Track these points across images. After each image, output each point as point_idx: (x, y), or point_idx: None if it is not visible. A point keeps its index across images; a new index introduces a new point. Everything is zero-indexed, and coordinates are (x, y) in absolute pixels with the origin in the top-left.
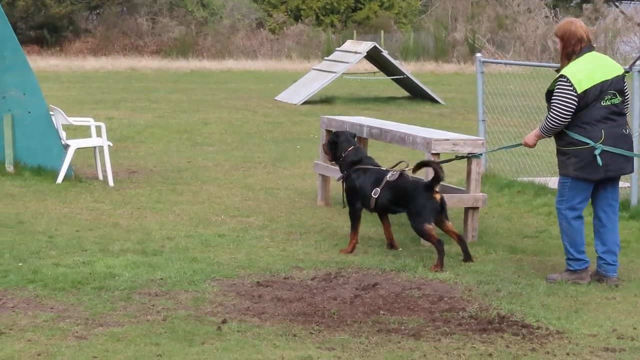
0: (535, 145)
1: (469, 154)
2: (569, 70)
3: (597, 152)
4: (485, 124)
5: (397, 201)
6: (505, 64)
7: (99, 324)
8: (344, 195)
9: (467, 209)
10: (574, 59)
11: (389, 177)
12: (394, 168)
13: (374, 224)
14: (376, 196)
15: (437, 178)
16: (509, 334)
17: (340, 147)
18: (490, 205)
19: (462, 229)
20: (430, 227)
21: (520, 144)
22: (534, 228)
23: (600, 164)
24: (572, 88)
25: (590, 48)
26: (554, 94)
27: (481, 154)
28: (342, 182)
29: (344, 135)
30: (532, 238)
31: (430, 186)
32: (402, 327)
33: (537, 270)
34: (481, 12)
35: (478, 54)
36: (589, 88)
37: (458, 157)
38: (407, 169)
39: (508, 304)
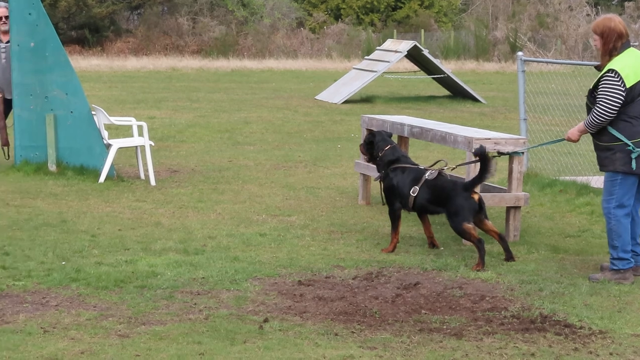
0: (578, 140)
1: (511, 151)
2: (617, 65)
3: (634, 155)
4: (527, 122)
5: (435, 200)
6: (547, 62)
7: (142, 322)
8: (381, 193)
9: (508, 208)
10: (615, 55)
11: (427, 175)
12: (432, 167)
13: (415, 223)
14: (415, 195)
15: (481, 176)
16: (551, 334)
17: (377, 146)
18: (532, 205)
19: (504, 228)
20: (470, 226)
21: (563, 139)
22: (576, 227)
23: (634, 168)
24: (620, 82)
25: (629, 44)
26: (601, 88)
27: (523, 152)
28: (380, 181)
29: (380, 135)
30: (574, 237)
31: (468, 186)
32: (444, 327)
33: (580, 270)
34: (522, 10)
35: (519, 53)
36: (636, 83)
37: (500, 154)
38: (445, 167)
39: (550, 304)
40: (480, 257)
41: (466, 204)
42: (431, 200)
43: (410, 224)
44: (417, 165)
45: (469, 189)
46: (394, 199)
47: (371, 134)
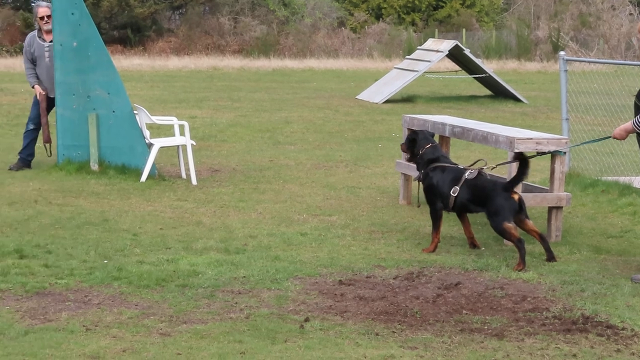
0: (624, 138)
1: (553, 150)
2: None
3: None
4: (569, 122)
5: (475, 200)
6: (590, 62)
7: (183, 321)
8: (418, 194)
9: (550, 209)
10: None
11: (467, 175)
12: (472, 167)
13: (456, 223)
14: (455, 195)
15: (520, 176)
16: (593, 335)
17: (418, 145)
18: (574, 205)
19: (545, 228)
20: (510, 225)
21: (608, 137)
22: (619, 228)
23: None
24: None
25: None
26: None
27: (565, 151)
28: (419, 181)
29: (422, 134)
30: (616, 238)
31: (508, 185)
32: (485, 327)
33: (622, 271)
34: (564, 9)
35: (562, 52)
36: None
37: (539, 154)
38: (485, 167)
39: (592, 305)
40: (521, 257)
41: (506, 204)
42: (471, 200)
43: (451, 224)
44: (456, 164)
45: (509, 188)
46: (435, 199)
47: (413, 132)
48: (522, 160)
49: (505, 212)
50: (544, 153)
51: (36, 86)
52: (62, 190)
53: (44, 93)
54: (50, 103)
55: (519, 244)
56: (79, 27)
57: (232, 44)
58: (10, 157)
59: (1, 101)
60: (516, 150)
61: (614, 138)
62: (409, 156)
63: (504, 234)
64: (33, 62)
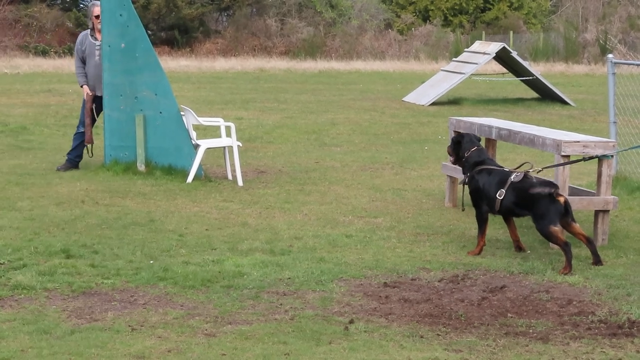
0: None
1: (600, 154)
2: None
3: None
4: (617, 126)
5: (521, 203)
6: (638, 65)
7: (228, 322)
8: (463, 197)
9: (597, 212)
10: None
11: (513, 178)
12: (518, 169)
13: (502, 226)
14: (501, 198)
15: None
16: (639, 339)
17: (464, 147)
18: (621, 209)
19: (592, 232)
20: (556, 229)
21: None
22: None
23: None
24: None
25: None
26: None
27: (612, 155)
28: (463, 184)
29: (468, 137)
30: None
31: (555, 187)
32: (530, 331)
33: None
34: (612, 12)
35: (610, 55)
36: None
37: (586, 159)
38: (531, 170)
39: (638, 309)
40: (567, 261)
41: (552, 207)
42: (517, 203)
43: (496, 227)
44: (502, 167)
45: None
46: (481, 202)
47: (459, 135)
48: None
49: (551, 215)
50: (591, 158)
51: (84, 86)
52: (109, 191)
53: (91, 94)
54: (98, 102)
55: (566, 247)
56: (127, 28)
57: (279, 45)
58: (58, 158)
59: (50, 102)
60: (563, 154)
61: None
62: (453, 159)
63: (550, 237)
64: (83, 61)
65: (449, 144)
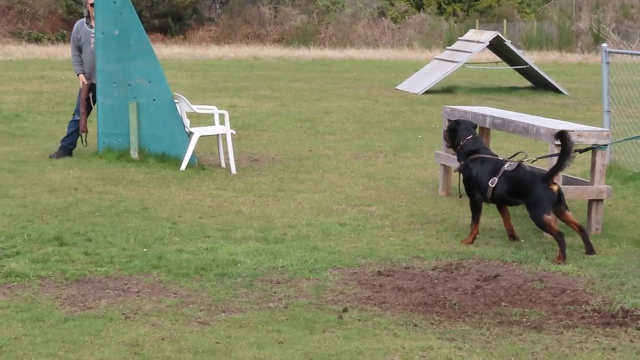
0: None
1: (593, 145)
2: None
3: None
4: (610, 115)
5: (514, 192)
6: (632, 54)
7: (222, 310)
8: (459, 185)
9: (591, 201)
10: None
11: (506, 167)
12: (512, 159)
13: (496, 214)
14: (493, 185)
15: (560, 167)
16: (632, 328)
17: (460, 135)
18: (614, 198)
19: (585, 221)
20: (550, 217)
21: None
22: None
23: None
24: None
25: None
26: None
27: (606, 145)
28: (459, 172)
29: (464, 124)
30: None
31: (547, 177)
32: (524, 320)
33: None
34: (606, 1)
35: (604, 44)
36: None
37: (581, 151)
38: (525, 160)
39: (632, 298)
40: (561, 250)
41: (545, 195)
42: (510, 192)
43: (490, 215)
44: (496, 156)
45: (548, 179)
46: (475, 190)
47: (456, 122)
48: (563, 149)
49: (544, 204)
50: (587, 149)
51: (80, 75)
52: (102, 178)
53: (87, 83)
54: (95, 90)
55: (559, 236)
56: (120, 15)
57: (272, 33)
58: (51, 145)
59: (43, 89)
60: (557, 143)
61: None
62: (448, 145)
63: (543, 226)
64: (79, 49)
65: (445, 129)
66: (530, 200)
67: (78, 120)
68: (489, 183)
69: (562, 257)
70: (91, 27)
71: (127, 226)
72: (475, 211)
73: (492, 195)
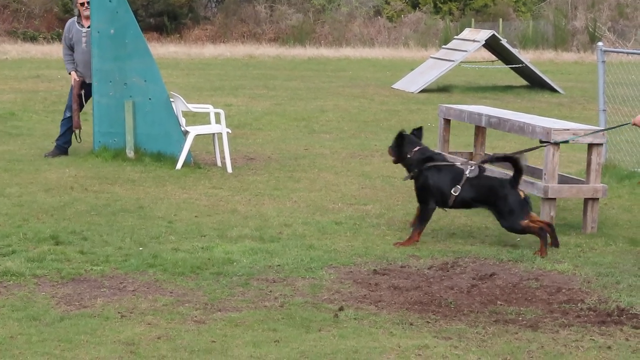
0: None
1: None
2: None
3: None
4: (606, 114)
5: (480, 199)
6: (627, 53)
7: (218, 309)
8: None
9: (586, 200)
10: None
11: (468, 173)
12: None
13: (491, 214)
14: (456, 194)
15: (520, 172)
16: (628, 327)
17: (405, 148)
18: (610, 197)
19: (581, 219)
20: (527, 221)
21: (628, 124)
22: None
23: None
24: None
25: None
26: None
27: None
28: (413, 179)
29: (408, 138)
30: None
31: (514, 183)
32: (520, 318)
33: None
34: (602, 0)
35: (599, 43)
36: None
37: (541, 145)
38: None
39: (628, 297)
40: (542, 244)
41: (519, 201)
42: (475, 198)
43: (485, 214)
44: (452, 163)
45: (515, 185)
46: (430, 198)
47: (399, 136)
48: (514, 161)
49: (519, 210)
50: (542, 145)
51: (72, 72)
52: (98, 177)
53: (79, 80)
54: (87, 89)
55: (541, 232)
56: (116, 14)
57: (268, 32)
58: (46, 144)
59: (38, 88)
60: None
61: (634, 125)
62: (395, 159)
63: (523, 232)
64: (71, 48)
65: (389, 146)
66: (504, 208)
67: (70, 117)
68: (452, 191)
69: (545, 251)
70: (82, 26)
71: (123, 225)
72: (425, 220)
73: (454, 202)
